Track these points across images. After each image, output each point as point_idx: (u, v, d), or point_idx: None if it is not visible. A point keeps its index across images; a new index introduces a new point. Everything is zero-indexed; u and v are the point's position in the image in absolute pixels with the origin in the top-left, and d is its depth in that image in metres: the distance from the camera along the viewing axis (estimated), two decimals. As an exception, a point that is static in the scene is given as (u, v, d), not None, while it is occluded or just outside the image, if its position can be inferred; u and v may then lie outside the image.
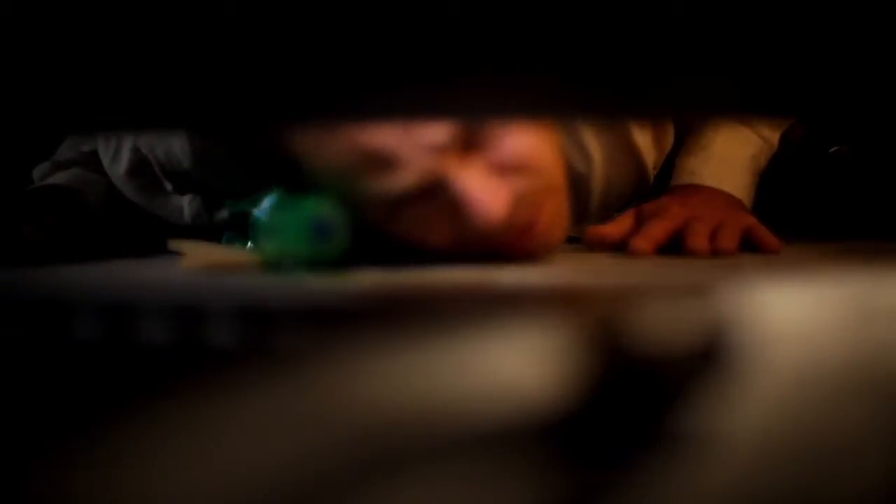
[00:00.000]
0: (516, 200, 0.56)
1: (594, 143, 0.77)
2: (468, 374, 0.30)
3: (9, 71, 0.32)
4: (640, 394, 0.28)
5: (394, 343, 0.34)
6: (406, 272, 0.56)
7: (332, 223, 0.54)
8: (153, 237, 0.72)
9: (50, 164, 0.85)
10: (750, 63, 0.30)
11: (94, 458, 0.23)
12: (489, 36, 0.29)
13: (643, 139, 0.79)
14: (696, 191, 0.76)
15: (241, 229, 0.63)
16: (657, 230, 0.69)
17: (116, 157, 0.68)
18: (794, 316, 0.39)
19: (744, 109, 0.34)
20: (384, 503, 0.20)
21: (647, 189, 0.81)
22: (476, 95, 0.31)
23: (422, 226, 0.58)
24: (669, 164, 0.82)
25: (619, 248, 0.70)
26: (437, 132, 0.54)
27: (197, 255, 0.59)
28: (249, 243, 0.61)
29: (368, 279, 0.53)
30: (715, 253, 0.66)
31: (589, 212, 0.80)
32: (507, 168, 0.57)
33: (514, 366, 0.31)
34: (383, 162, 0.54)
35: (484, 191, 0.55)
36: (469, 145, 0.56)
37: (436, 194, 0.56)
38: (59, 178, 0.82)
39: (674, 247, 0.68)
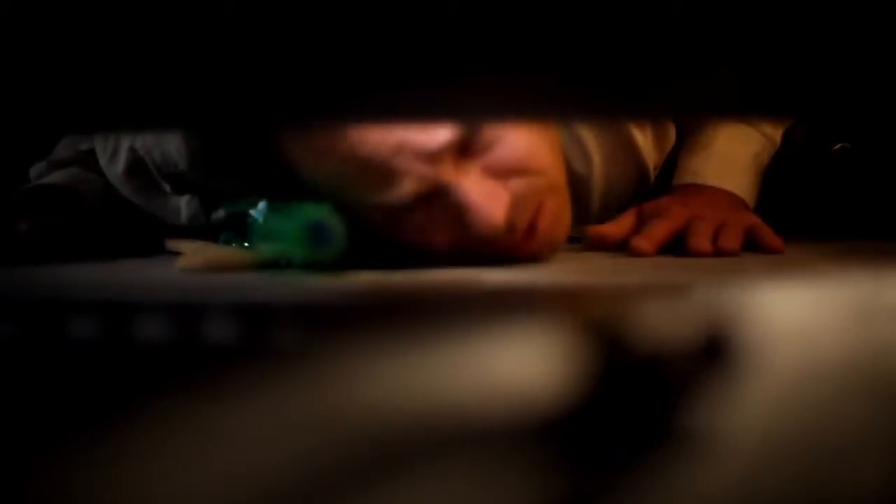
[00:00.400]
0: (516, 202, 0.56)
1: (594, 143, 0.77)
2: (468, 373, 0.30)
3: (9, 71, 0.32)
4: (641, 393, 0.28)
5: (393, 343, 0.34)
6: (405, 273, 0.55)
7: (329, 227, 0.54)
8: (151, 237, 0.71)
9: (47, 163, 0.85)
10: (750, 63, 0.30)
11: (92, 458, 0.23)
12: (489, 36, 0.29)
13: (644, 139, 0.79)
14: (698, 190, 0.76)
15: (238, 230, 0.63)
16: (658, 230, 0.69)
17: (114, 157, 0.68)
18: (796, 315, 0.39)
19: (744, 110, 0.34)
20: (384, 503, 0.20)
21: (648, 189, 0.81)
22: (476, 96, 0.31)
23: (422, 231, 0.58)
24: (671, 164, 0.82)
25: (620, 248, 0.70)
26: (432, 139, 0.54)
27: (194, 255, 0.59)
28: (246, 244, 0.61)
29: (367, 280, 0.53)
30: (717, 253, 0.66)
31: (589, 212, 0.79)
32: (504, 170, 0.56)
33: (514, 365, 0.31)
34: (380, 172, 0.54)
35: (483, 195, 0.55)
36: (466, 150, 0.56)
37: (435, 201, 0.56)
38: (56, 177, 0.82)
39: (675, 247, 0.68)
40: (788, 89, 0.30)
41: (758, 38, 0.29)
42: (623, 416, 0.26)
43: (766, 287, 0.48)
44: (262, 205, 0.61)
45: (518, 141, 0.57)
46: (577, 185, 0.76)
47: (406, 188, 0.54)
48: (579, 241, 0.73)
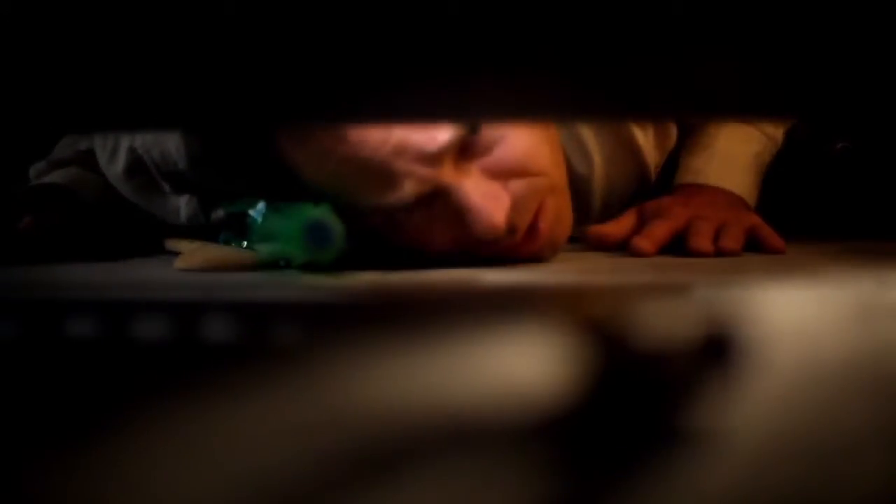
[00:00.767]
0: (516, 204, 0.56)
1: (595, 143, 0.77)
2: (468, 373, 0.30)
3: (8, 71, 0.32)
4: (641, 393, 0.28)
5: (393, 343, 0.34)
6: (405, 273, 0.55)
7: (329, 227, 0.53)
8: (150, 237, 0.71)
9: (46, 162, 0.84)
10: (750, 63, 0.30)
11: (92, 458, 0.23)
12: (489, 36, 0.29)
13: (645, 139, 0.79)
14: (700, 190, 0.76)
15: (237, 230, 0.63)
16: (659, 230, 0.68)
17: (113, 156, 0.68)
18: (797, 315, 0.39)
19: (744, 110, 0.34)
20: (384, 503, 0.20)
21: (649, 189, 0.81)
22: (476, 96, 0.31)
23: (422, 232, 0.57)
24: (672, 164, 0.81)
25: (621, 247, 0.70)
26: (433, 141, 0.54)
27: (193, 255, 0.59)
28: (245, 243, 0.61)
29: (367, 280, 0.53)
30: (718, 253, 0.66)
31: (591, 212, 0.79)
32: (505, 172, 0.56)
33: (514, 365, 0.31)
34: (381, 174, 0.54)
35: (484, 197, 0.55)
36: (466, 151, 0.56)
37: (435, 202, 0.56)
38: (55, 176, 0.82)
39: (676, 247, 0.68)
40: (788, 89, 0.30)
41: (758, 38, 0.29)
42: (623, 416, 0.26)
43: (768, 287, 0.48)
44: (261, 205, 0.61)
45: (518, 142, 0.57)
46: (577, 184, 0.76)
47: (407, 190, 0.54)
48: (580, 240, 0.73)
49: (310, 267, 0.55)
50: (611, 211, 0.79)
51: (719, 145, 0.78)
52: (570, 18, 0.29)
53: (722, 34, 0.29)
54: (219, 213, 0.65)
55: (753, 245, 0.69)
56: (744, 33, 0.29)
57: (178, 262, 0.59)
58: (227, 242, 0.64)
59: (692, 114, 0.47)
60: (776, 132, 0.82)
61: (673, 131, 0.82)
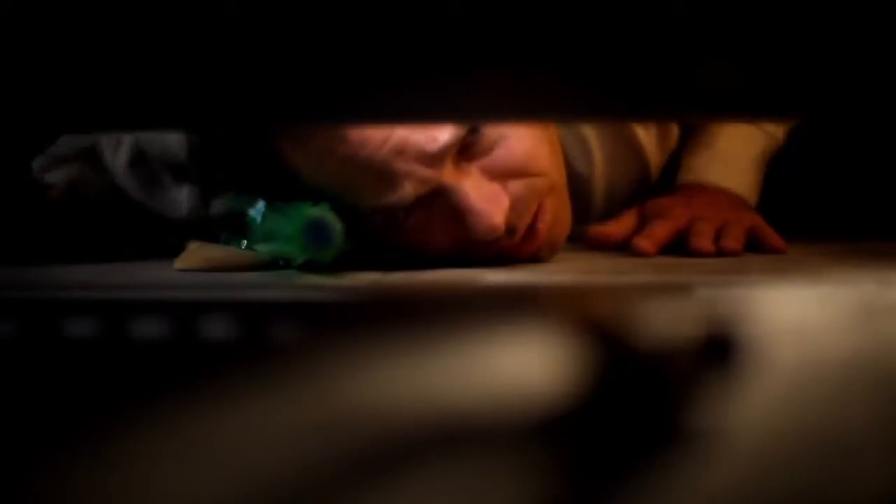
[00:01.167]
0: (516, 204, 0.56)
1: (596, 142, 0.76)
2: (469, 373, 0.30)
3: (8, 71, 0.32)
4: (642, 393, 0.28)
5: (394, 343, 0.33)
6: (405, 273, 0.55)
7: (328, 227, 0.53)
8: (151, 236, 0.71)
9: (48, 157, 0.84)
10: (750, 63, 0.30)
11: (90, 458, 0.23)
12: (489, 37, 0.29)
13: (647, 138, 0.79)
14: (701, 190, 0.76)
15: (237, 230, 0.63)
16: (660, 230, 0.68)
17: (118, 148, 0.68)
18: (798, 314, 0.39)
19: (744, 110, 0.34)
20: (384, 503, 0.20)
21: (650, 188, 0.81)
22: (476, 97, 0.31)
23: (421, 233, 0.57)
24: (673, 164, 0.81)
25: (622, 247, 0.70)
26: (433, 141, 0.53)
27: (192, 255, 0.59)
28: (245, 243, 0.61)
29: (367, 280, 0.53)
30: (719, 253, 0.66)
31: (591, 211, 0.79)
32: (504, 172, 0.56)
33: (514, 365, 0.31)
34: (381, 175, 0.54)
35: (483, 198, 0.55)
36: (465, 151, 0.56)
37: (435, 203, 0.56)
38: (58, 174, 0.82)
39: (677, 247, 0.68)
40: (788, 89, 0.30)
41: (758, 39, 0.29)
42: (624, 415, 0.26)
43: (768, 287, 0.48)
44: (260, 204, 0.61)
45: (518, 142, 0.57)
46: (578, 184, 0.76)
47: (407, 190, 0.54)
48: (580, 240, 0.73)
49: (309, 266, 0.55)
50: (612, 210, 0.79)
51: (721, 145, 0.78)
52: (571, 19, 0.29)
53: (722, 34, 0.29)
54: (219, 206, 0.65)
55: (754, 245, 0.69)
56: (744, 33, 0.29)
57: (178, 262, 0.59)
58: (227, 242, 0.64)
59: (693, 114, 0.47)
60: (777, 130, 0.82)
61: (674, 131, 0.82)
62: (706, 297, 0.44)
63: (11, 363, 0.34)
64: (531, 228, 0.58)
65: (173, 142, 0.59)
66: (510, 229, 0.56)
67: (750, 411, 0.26)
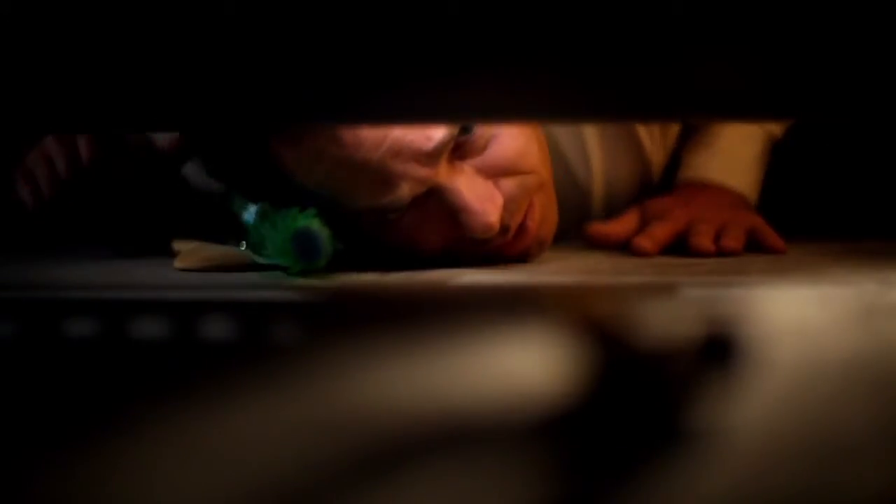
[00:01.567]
0: (508, 203, 0.56)
1: (595, 141, 0.76)
2: (468, 373, 0.30)
3: (8, 71, 0.32)
4: (642, 393, 0.28)
5: (393, 343, 0.33)
6: (404, 273, 0.55)
7: (315, 237, 0.53)
8: (155, 231, 0.71)
9: None
10: (750, 63, 0.30)
11: (90, 458, 0.23)
12: (489, 37, 0.29)
13: (650, 138, 0.79)
14: (702, 189, 0.76)
15: (236, 232, 0.63)
16: (661, 231, 0.68)
17: None
18: (798, 315, 0.39)
19: (745, 110, 0.34)
20: (384, 503, 0.20)
21: (652, 188, 0.81)
22: (476, 97, 0.31)
23: (414, 232, 0.57)
24: (674, 162, 0.81)
25: (622, 247, 0.70)
26: (429, 140, 0.53)
27: (192, 254, 0.59)
28: (244, 244, 0.61)
29: (366, 280, 0.53)
30: (720, 253, 0.66)
31: (591, 211, 0.79)
32: (496, 170, 0.56)
33: (515, 365, 0.31)
34: (376, 175, 0.53)
35: (478, 197, 0.55)
36: (458, 150, 0.56)
37: (428, 202, 0.56)
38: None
39: (677, 247, 0.68)
40: (788, 89, 0.30)
41: (758, 39, 0.29)
42: (624, 415, 0.26)
43: (768, 287, 0.48)
44: (252, 209, 0.61)
45: (510, 141, 0.57)
46: (576, 182, 0.76)
47: (404, 191, 0.54)
48: (580, 239, 0.73)
49: (305, 274, 0.54)
50: (613, 209, 0.79)
51: (722, 144, 0.78)
52: (571, 19, 0.29)
53: (722, 34, 0.29)
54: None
55: (754, 245, 0.69)
56: (744, 33, 0.29)
57: (177, 262, 0.59)
58: (225, 242, 0.64)
59: (693, 114, 0.47)
60: (776, 128, 0.82)
61: (674, 130, 0.81)
62: (706, 297, 0.44)
63: (11, 363, 0.34)
64: (522, 226, 0.58)
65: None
66: (503, 228, 0.56)
67: (750, 411, 0.26)
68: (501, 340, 0.34)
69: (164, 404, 0.27)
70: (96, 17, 0.31)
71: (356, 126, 0.53)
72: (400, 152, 0.53)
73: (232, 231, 0.63)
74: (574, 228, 0.73)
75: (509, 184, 0.56)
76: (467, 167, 0.56)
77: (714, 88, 0.30)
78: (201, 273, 0.57)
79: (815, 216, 0.84)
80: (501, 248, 0.59)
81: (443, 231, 0.57)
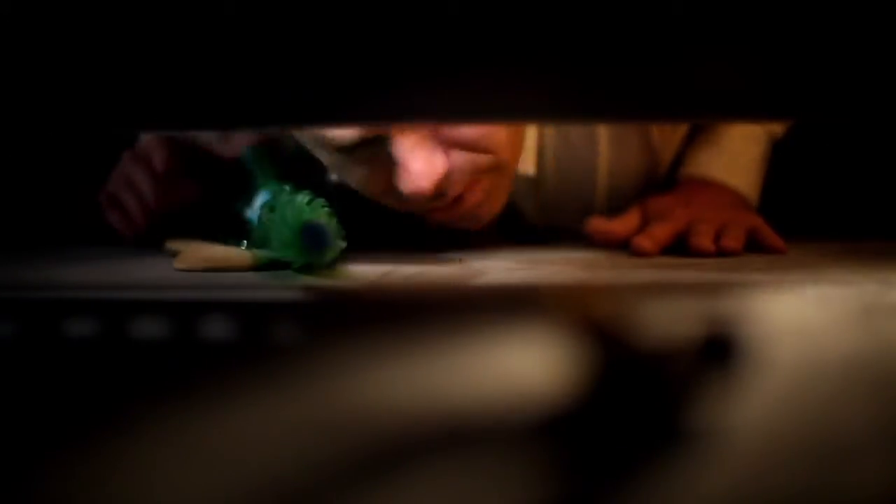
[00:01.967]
0: (451, 174, 0.58)
1: (604, 132, 0.77)
2: (469, 373, 0.30)
3: (8, 71, 0.32)
4: (642, 393, 0.28)
5: (393, 342, 0.33)
6: (405, 273, 0.55)
7: (324, 229, 0.53)
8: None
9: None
10: (750, 64, 0.30)
11: (90, 458, 0.23)
12: (489, 38, 0.29)
13: (660, 135, 0.79)
14: (703, 188, 0.76)
15: (236, 230, 0.63)
16: (661, 231, 0.68)
17: None
18: (798, 315, 0.39)
19: (745, 110, 0.34)
20: (384, 503, 0.20)
21: (658, 182, 0.81)
22: (476, 97, 0.31)
23: (364, 175, 0.60)
24: (680, 158, 0.81)
25: (622, 245, 0.70)
26: None
27: (192, 254, 0.59)
28: (245, 243, 0.61)
29: (367, 280, 0.53)
30: (720, 252, 0.66)
31: (594, 204, 0.79)
32: (455, 144, 0.58)
33: (515, 365, 0.31)
34: None
35: (418, 159, 0.56)
36: None
37: (381, 152, 0.57)
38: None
39: (677, 247, 0.68)
40: (788, 89, 0.30)
41: (758, 39, 0.29)
42: (625, 415, 0.26)
43: (768, 287, 0.48)
44: (257, 205, 0.61)
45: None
46: (581, 174, 0.76)
47: (355, 131, 0.56)
48: (581, 236, 0.73)
49: (309, 268, 0.54)
50: (617, 203, 0.78)
51: (727, 143, 0.79)
52: (571, 19, 0.29)
53: (722, 34, 0.29)
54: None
55: (754, 245, 0.69)
56: (744, 33, 0.29)
57: (177, 262, 0.59)
58: (226, 242, 0.64)
59: (693, 114, 0.47)
60: (779, 130, 0.82)
61: (682, 128, 0.81)
62: (706, 297, 0.44)
63: (11, 363, 0.34)
64: (458, 198, 0.60)
65: None
66: (438, 194, 0.57)
67: (750, 411, 0.26)
68: (501, 340, 0.34)
69: (164, 404, 0.27)
70: (96, 17, 0.31)
71: (356, 126, 0.54)
72: None
73: (232, 231, 0.63)
74: (576, 218, 0.73)
75: (459, 157, 0.58)
76: (423, 132, 0.57)
77: (714, 88, 0.30)
78: (201, 273, 0.57)
79: (815, 216, 0.84)
80: (431, 211, 0.61)
81: (383, 182, 0.59)
